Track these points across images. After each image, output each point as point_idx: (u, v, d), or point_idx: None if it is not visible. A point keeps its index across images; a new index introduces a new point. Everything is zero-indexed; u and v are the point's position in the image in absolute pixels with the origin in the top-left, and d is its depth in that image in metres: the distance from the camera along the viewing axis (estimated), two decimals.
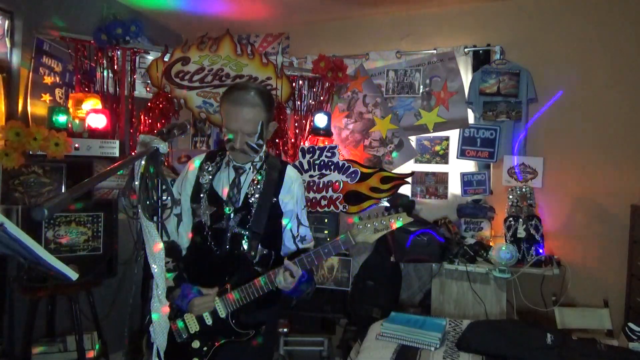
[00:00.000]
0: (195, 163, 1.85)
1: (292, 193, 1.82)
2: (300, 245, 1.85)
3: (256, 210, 1.74)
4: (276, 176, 1.80)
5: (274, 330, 1.93)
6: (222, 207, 1.76)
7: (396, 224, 1.66)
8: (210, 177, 1.80)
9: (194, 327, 1.72)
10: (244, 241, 1.74)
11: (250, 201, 1.76)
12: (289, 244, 1.86)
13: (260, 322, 1.76)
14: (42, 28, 2.97)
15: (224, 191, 1.78)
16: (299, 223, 1.85)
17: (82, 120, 2.95)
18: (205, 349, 1.70)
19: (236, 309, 1.70)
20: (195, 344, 1.70)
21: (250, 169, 1.79)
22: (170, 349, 1.47)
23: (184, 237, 1.83)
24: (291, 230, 1.85)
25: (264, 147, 1.81)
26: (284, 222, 1.84)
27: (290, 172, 1.86)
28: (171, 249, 1.75)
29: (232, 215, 1.75)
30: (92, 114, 2.91)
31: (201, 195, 1.78)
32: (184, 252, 1.85)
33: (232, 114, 1.68)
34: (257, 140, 1.72)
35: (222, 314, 1.70)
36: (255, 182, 1.78)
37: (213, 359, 1.70)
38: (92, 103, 2.98)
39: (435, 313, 3.09)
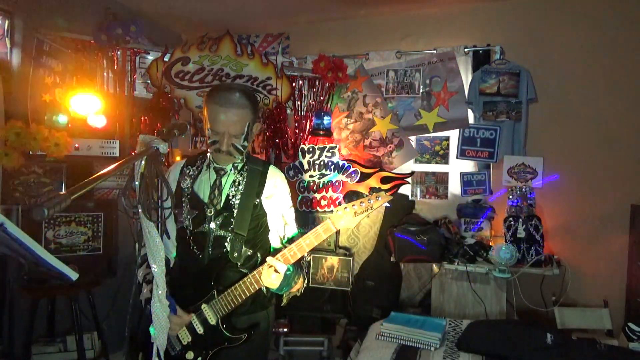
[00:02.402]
0: (176, 168, 1.83)
1: (275, 193, 1.79)
2: (288, 246, 1.81)
3: (238, 211, 1.72)
4: (258, 176, 1.77)
5: (268, 332, 1.88)
6: (204, 210, 1.73)
7: (376, 203, 1.64)
8: (192, 180, 1.77)
9: (185, 338, 1.70)
10: (227, 244, 1.72)
11: (232, 202, 1.73)
12: (275, 245, 1.84)
13: (252, 325, 1.74)
14: (42, 28, 2.96)
15: (205, 194, 1.75)
16: (285, 223, 1.82)
17: (82, 120, 2.95)
18: (199, 358, 1.68)
19: (226, 314, 1.68)
20: (190, 355, 1.68)
21: (231, 170, 1.76)
22: None
23: (169, 244, 1.79)
24: (277, 230, 1.82)
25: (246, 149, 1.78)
26: (269, 222, 1.81)
27: (273, 172, 1.82)
28: None
29: (213, 217, 1.72)
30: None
31: (183, 199, 1.75)
32: (171, 262, 1.81)
33: (218, 116, 1.65)
34: (243, 141, 1.70)
35: (212, 320, 1.67)
36: (237, 183, 1.75)
37: None
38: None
39: (435, 313, 3.08)
